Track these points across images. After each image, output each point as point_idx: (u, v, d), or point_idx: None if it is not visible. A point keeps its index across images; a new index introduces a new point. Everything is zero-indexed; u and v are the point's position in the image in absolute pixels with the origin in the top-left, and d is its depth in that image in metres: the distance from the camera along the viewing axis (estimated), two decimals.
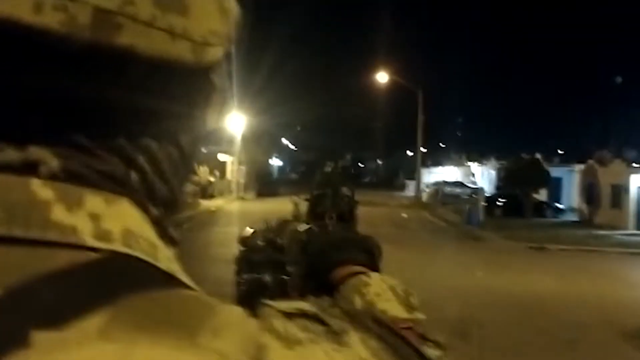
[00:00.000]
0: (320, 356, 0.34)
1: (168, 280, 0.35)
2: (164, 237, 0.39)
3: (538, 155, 28.98)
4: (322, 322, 0.38)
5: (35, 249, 0.31)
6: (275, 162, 68.53)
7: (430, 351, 0.47)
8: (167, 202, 0.41)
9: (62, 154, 0.34)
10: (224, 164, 34.86)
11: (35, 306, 0.29)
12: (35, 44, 0.32)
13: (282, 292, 0.87)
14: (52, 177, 0.33)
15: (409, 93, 34.98)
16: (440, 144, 72.71)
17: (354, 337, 0.39)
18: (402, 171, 57.72)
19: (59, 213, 0.33)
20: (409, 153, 69.38)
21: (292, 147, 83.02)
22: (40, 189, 0.33)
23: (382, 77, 34.83)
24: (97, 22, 0.33)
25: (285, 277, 0.90)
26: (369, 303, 0.71)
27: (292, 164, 76.44)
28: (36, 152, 0.34)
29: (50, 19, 0.32)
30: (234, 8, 0.42)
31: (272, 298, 0.56)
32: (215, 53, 0.39)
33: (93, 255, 0.32)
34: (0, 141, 0.33)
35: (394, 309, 0.70)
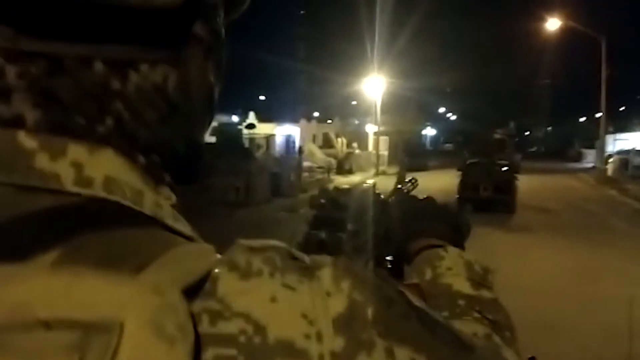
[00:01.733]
0: (275, 286, 0.35)
1: (147, 222, 0.37)
2: (158, 183, 0.42)
3: None
4: (293, 257, 0.38)
5: (18, 193, 0.35)
6: (429, 132, 63.83)
7: (428, 307, 0.41)
8: (157, 149, 0.43)
9: (42, 106, 0.37)
10: (365, 135, 31.31)
11: (5, 242, 0.32)
12: None
13: (337, 250, 0.86)
14: (37, 129, 0.36)
15: (587, 43, 28.64)
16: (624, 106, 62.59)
17: (326, 273, 0.37)
18: (577, 139, 50.15)
19: (43, 161, 0.36)
20: (581, 119, 61.32)
21: (450, 115, 77.64)
22: (26, 139, 0.36)
23: (552, 24, 28.76)
24: None
25: (341, 235, 0.89)
26: (436, 276, 0.71)
27: (447, 134, 70.74)
28: (20, 105, 0.37)
29: None
30: None
31: (324, 253, 0.66)
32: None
33: (73, 199, 0.35)
34: None
35: (458, 283, 0.69)
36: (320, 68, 42.86)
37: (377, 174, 27.25)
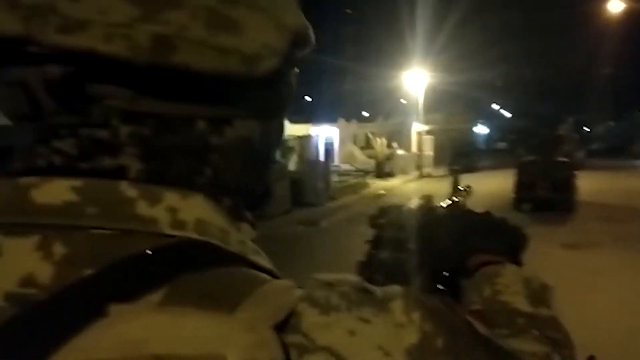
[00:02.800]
0: (353, 320, 0.39)
1: (235, 260, 0.42)
2: (240, 221, 0.47)
3: None
4: (365, 290, 0.42)
5: (122, 237, 0.40)
6: (481, 130, 60.66)
7: (492, 334, 0.46)
8: (241, 191, 0.49)
9: (145, 159, 0.42)
10: (408, 134, 29.06)
11: (115, 283, 0.37)
12: (115, 68, 0.40)
13: (399, 270, 0.87)
14: (137, 179, 0.42)
15: None
16: None
17: (398, 304, 0.41)
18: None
19: (142, 207, 0.41)
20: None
21: (503, 112, 74.13)
22: (127, 188, 0.41)
23: (615, 6, 25.88)
24: (155, 44, 0.40)
25: (403, 255, 0.90)
26: (495, 293, 0.71)
27: (500, 132, 67.17)
28: (126, 158, 0.42)
29: (118, 47, 0.39)
30: (297, 24, 0.47)
31: (387, 275, 0.79)
32: (268, 64, 0.45)
33: (170, 241, 0.40)
34: (98, 151, 0.42)
35: (517, 301, 0.69)
36: (360, 65, 40.74)
37: (420, 176, 24.99)
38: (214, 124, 0.45)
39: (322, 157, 17.02)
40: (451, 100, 37.67)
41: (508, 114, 74.24)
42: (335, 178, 20.33)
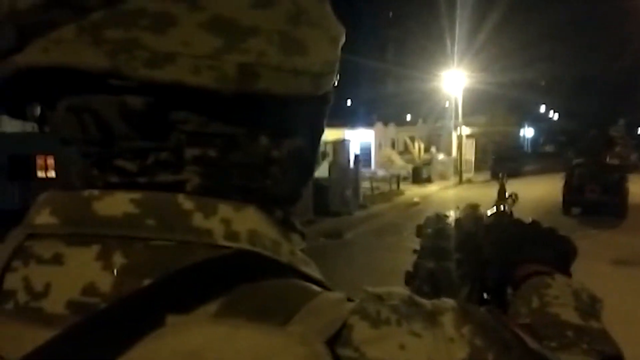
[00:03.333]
0: (403, 334, 0.39)
1: (286, 271, 0.43)
2: (291, 232, 0.48)
3: None
4: (415, 303, 0.42)
5: (179, 248, 0.41)
6: (528, 132, 58.47)
7: (542, 348, 0.46)
8: (292, 201, 0.50)
9: (206, 175, 0.44)
10: (448, 138, 27.83)
11: (173, 294, 0.38)
12: (195, 96, 0.41)
13: (446, 280, 0.87)
14: (194, 192, 0.43)
15: None
16: None
17: (448, 318, 0.41)
18: None
19: (198, 219, 0.42)
20: None
21: (551, 113, 71.55)
22: (184, 201, 0.42)
23: None
24: (241, 74, 0.41)
25: (449, 264, 0.90)
26: (544, 304, 0.69)
27: (548, 134, 64.54)
28: (186, 175, 0.44)
29: (206, 78, 0.40)
30: (340, 33, 0.48)
31: (434, 285, 0.82)
32: (330, 80, 0.47)
33: (224, 251, 0.41)
34: (159, 167, 0.44)
35: (566, 313, 0.67)
36: (400, 67, 39.56)
37: (460, 182, 23.77)
38: (276, 138, 0.46)
39: (353, 163, 15.99)
40: (494, 102, 36.10)
41: (556, 116, 71.68)
42: (368, 184, 19.41)
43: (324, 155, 18.60)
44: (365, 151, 28.76)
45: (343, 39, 0.48)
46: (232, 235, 0.42)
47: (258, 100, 0.43)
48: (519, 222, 0.88)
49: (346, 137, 28.29)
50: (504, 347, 0.41)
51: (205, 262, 0.40)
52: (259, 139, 0.45)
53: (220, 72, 0.40)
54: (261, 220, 0.44)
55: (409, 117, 36.82)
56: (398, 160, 25.82)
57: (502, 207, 0.99)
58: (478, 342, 0.41)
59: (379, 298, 0.41)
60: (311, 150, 0.51)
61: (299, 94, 0.44)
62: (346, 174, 15.92)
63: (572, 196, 13.98)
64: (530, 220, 0.87)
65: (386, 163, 26.33)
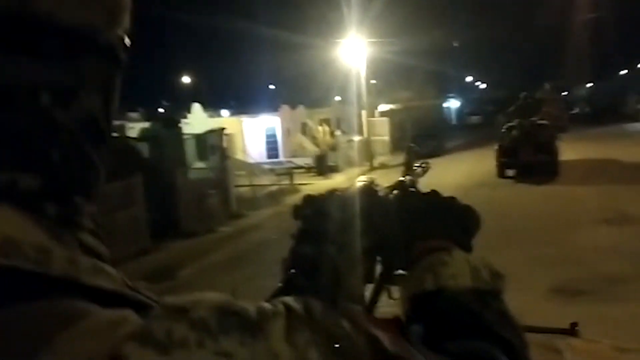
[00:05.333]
0: (206, 356, 0.31)
1: (58, 287, 0.33)
2: (75, 232, 0.38)
3: None
4: (233, 312, 0.34)
5: None
6: (454, 104, 56.23)
7: (404, 348, 0.40)
8: (82, 188, 0.40)
9: None
10: (358, 117, 24.54)
11: None
12: None
13: (324, 266, 0.77)
14: None
15: None
16: None
17: (277, 326, 0.34)
18: (633, 92, 41.47)
19: None
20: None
21: (481, 84, 70.15)
22: None
23: None
24: None
25: (330, 248, 0.79)
26: (439, 285, 0.64)
27: (478, 104, 62.59)
28: None
29: None
30: None
31: (308, 273, 0.71)
32: (126, 20, 0.43)
33: None
34: None
35: (462, 295, 0.63)
36: (299, 36, 35.86)
37: (371, 168, 20.50)
38: (60, 98, 0.37)
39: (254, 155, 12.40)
40: (412, 76, 33.00)
41: (484, 86, 70.44)
42: (266, 181, 15.99)
43: (213, 149, 14.56)
44: (272, 139, 25.45)
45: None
46: None
47: (37, 33, 0.35)
48: (416, 194, 0.82)
49: (244, 125, 24.96)
50: (351, 358, 0.35)
51: None
52: (38, 94, 0.36)
53: None
54: (20, 223, 0.34)
55: (321, 98, 33.29)
56: (310, 147, 22.54)
57: (402, 179, 0.91)
58: (313, 355, 0.33)
59: (181, 311, 0.32)
60: (105, 121, 0.41)
61: (89, 28, 0.37)
62: (213, 174, 12.44)
63: (506, 159, 14.32)
64: (429, 190, 0.80)
65: (298, 151, 23.14)
